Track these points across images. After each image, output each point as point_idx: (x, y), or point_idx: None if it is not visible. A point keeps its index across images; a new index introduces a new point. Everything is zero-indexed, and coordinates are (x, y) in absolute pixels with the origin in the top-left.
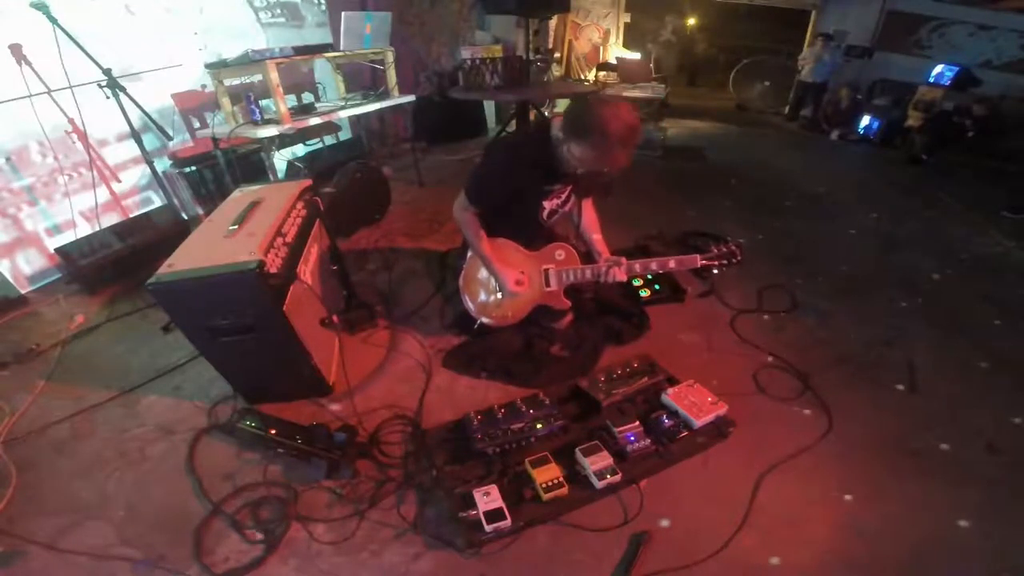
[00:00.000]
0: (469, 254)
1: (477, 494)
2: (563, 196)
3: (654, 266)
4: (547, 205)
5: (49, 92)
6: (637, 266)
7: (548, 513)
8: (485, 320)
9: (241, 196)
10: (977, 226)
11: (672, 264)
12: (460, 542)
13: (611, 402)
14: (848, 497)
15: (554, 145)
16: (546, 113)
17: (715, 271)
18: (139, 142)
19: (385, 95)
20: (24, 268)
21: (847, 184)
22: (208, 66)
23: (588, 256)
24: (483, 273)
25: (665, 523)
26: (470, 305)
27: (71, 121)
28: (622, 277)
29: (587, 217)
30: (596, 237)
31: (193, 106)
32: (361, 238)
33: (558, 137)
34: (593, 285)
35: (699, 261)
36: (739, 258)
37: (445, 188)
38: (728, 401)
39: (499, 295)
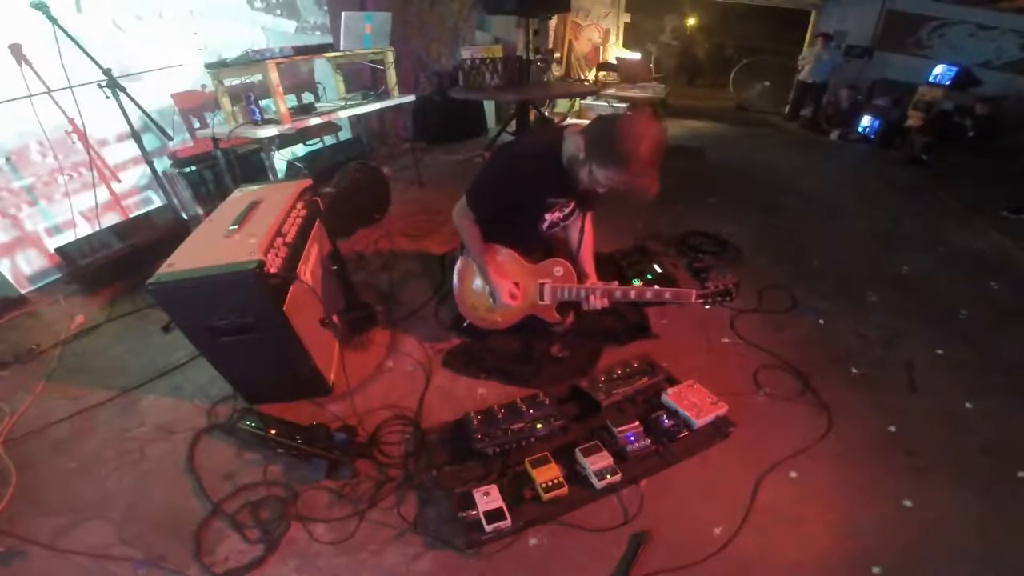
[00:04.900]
0: (465, 255)
1: (477, 494)
2: (566, 210)
3: (649, 295)
4: (548, 218)
5: (49, 92)
6: (632, 293)
7: (548, 513)
8: (475, 323)
9: (241, 196)
10: (977, 226)
11: (667, 296)
12: (460, 542)
13: (611, 402)
14: (847, 497)
15: (570, 161)
16: (546, 113)
17: (707, 307)
18: (139, 142)
19: (385, 95)
20: (24, 268)
21: (847, 184)
22: (208, 66)
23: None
24: (477, 278)
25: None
26: (461, 306)
27: (71, 121)
28: (600, 305)
29: (587, 235)
30: (588, 257)
31: (193, 106)
32: (361, 238)
33: (577, 156)
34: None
35: (693, 298)
36: (733, 297)
37: (445, 188)
38: (728, 401)
39: (491, 301)
